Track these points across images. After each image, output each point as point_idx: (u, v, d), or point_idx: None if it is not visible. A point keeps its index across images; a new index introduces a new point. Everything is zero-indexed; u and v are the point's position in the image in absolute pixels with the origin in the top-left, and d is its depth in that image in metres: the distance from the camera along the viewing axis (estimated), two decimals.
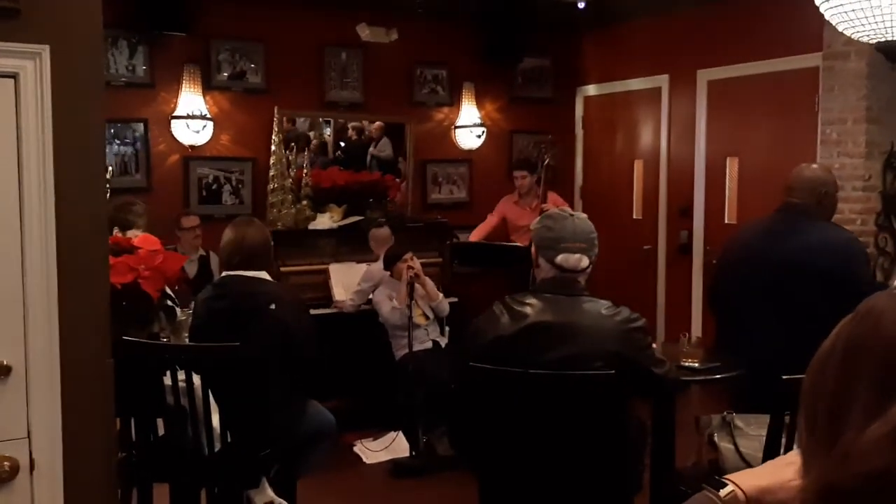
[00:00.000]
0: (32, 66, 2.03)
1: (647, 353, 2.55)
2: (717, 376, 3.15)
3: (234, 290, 3.22)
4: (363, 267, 5.38)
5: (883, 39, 3.24)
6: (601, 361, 2.38)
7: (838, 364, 0.86)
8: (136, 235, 3.69)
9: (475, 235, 6.12)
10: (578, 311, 2.46)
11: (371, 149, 6.63)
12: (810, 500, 0.84)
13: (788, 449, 2.48)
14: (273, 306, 3.14)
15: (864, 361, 0.84)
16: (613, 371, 2.36)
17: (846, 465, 0.80)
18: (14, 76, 2.02)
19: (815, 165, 3.56)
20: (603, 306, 2.49)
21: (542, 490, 2.46)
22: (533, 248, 2.57)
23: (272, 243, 3.38)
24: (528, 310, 2.46)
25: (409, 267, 4.74)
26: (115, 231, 3.72)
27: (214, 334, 3.06)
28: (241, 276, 3.22)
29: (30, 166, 2.03)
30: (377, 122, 6.61)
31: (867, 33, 3.20)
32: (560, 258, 2.49)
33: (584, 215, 2.64)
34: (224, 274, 3.30)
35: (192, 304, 3.37)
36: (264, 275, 3.26)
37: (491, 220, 6.16)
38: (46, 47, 2.04)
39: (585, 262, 2.51)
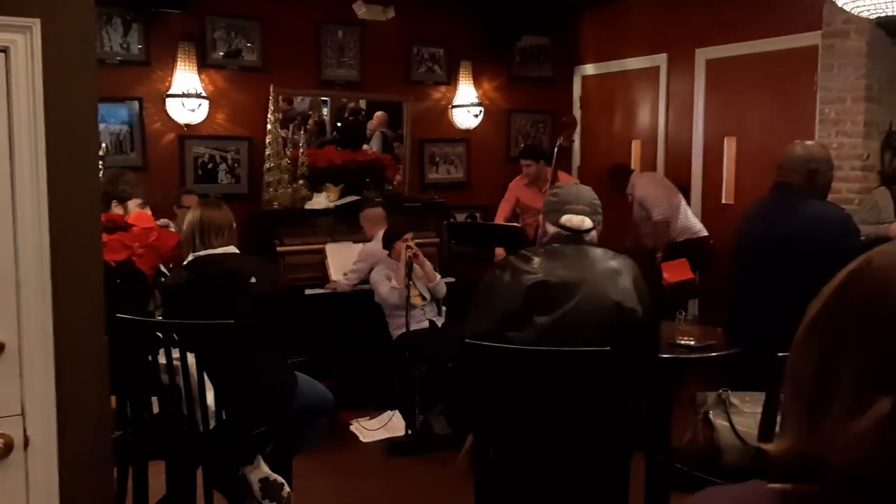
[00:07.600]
0: (23, 40, 2.00)
1: (648, 304, 2.58)
2: (713, 354, 3.15)
3: (211, 270, 3.12)
4: (360, 247, 5.37)
5: (883, 14, 3.22)
6: (609, 310, 2.41)
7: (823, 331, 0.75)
8: (139, 205, 3.67)
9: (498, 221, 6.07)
10: (587, 258, 2.50)
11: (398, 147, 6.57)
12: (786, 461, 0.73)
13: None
14: (254, 279, 3.11)
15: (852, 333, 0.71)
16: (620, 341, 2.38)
17: (828, 448, 0.69)
18: (4, 50, 2.00)
19: (808, 142, 3.53)
20: (612, 255, 2.54)
21: (542, 459, 2.47)
22: (541, 219, 2.62)
23: (235, 224, 3.29)
24: (534, 264, 2.48)
25: (408, 247, 4.73)
26: (114, 204, 3.67)
27: (197, 316, 2.98)
28: (214, 255, 3.14)
29: (21, 142, 2.01)
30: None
31: (867, 8, 3.19)
32: (564, 218, 2.55)
33: (589, 187, 2.72)
34: (193, 256, 3.16)
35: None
36: (233, 249, 3.19)
37: (505, 207, 6.10)
38: (37, 21, 2.01)
39: (588, 223, 2.55)
